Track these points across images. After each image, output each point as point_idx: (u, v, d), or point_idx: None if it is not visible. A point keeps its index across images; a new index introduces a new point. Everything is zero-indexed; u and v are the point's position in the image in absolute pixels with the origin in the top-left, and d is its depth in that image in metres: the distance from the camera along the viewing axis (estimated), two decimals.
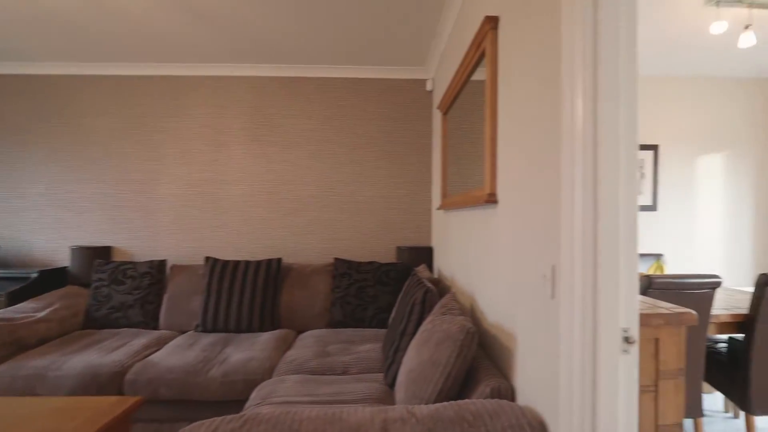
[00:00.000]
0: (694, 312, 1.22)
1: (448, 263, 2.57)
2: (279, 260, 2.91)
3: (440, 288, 2.55)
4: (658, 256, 3.15)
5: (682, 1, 2.27)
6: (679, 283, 1.94)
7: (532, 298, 1.21)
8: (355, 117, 3.32)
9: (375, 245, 3.31)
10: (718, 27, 2.19)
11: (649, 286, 1.94)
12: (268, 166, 3.29)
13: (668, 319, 1.19)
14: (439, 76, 2.90)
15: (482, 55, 1.75)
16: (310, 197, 3.30)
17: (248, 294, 2.76)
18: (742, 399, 2.10)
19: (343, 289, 2.84)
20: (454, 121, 2.42)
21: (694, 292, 1.96)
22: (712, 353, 2.33)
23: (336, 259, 2.97)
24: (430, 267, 3.16)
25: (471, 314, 1.97)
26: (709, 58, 3.09)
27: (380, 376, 2.01)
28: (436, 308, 1.83)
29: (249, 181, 3.29)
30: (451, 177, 2.47)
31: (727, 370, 2.19)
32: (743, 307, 2.23)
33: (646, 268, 2.93)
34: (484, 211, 1.74)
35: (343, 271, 2.90)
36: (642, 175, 3.36)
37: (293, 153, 3.30)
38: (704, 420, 2.53)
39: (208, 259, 2.85)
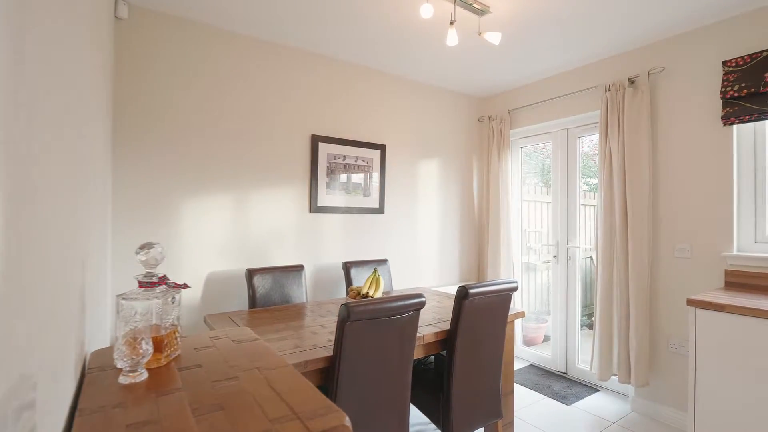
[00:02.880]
0: (347, 425, 0.63)
1: None
2: None
3: None
4: (383, 262, 2.96)
5: None
6: (381, 309, 1.53)
7: None
8: None
9: None
10: (426, 10, 1.97)
11: (348, 317, 1.46)
12: None
13: None
14: None
15: None
16: None
17: None
18: (445, 423, 1.91)
19: None
20: None
21: (398, 317, 1.59)
22: (420, 372, 2.11)
23: None
24: None
25: None
26: (434, 67, 3.11)
27: None
28: None
29: None
30: None
31: (434, 391, 1.98)
32: (449, 318, 2.09)
33: (364, 280, 2.66)
34: None
35: None
36: (370, 176, 3.14)
37: None
38: None
39: None
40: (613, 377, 2.88)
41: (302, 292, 2.52)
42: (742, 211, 2.40)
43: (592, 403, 2.86)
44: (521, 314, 2.25)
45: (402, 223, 3.36)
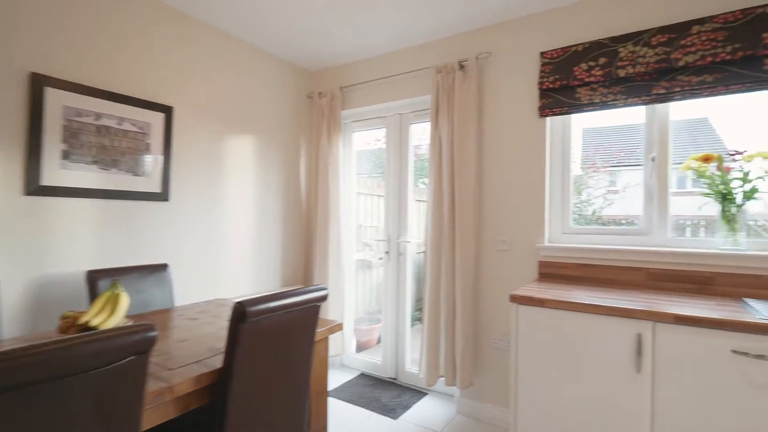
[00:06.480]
0: None
1: None
2: None
3: None
4: (159, 269, 2.12)
5: None
6: (65, 353, 0.79)
7: None
8: None
9: None
10: None
11: None
12: None
13: None
14: None
15: None
16: None
17: None
18: None
19: None
20: None
21: (100, 372, 0.88)
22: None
23: None
24: None
25: None
26: (249, 18, 2.40)
27: None
28: None
29: None
30: None
31: None
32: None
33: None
34: None
35: None
36: (147, 148, 2.25)
37: None
38: None
39: None
40: (441, 378, 2.69)
41: None
42: (553, 202, 2.43)
43: (419, 411, 2.61)
44: (337, 327, 1.77)
45: (198, 214, 2.55)
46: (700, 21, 1.92)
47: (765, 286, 1.80)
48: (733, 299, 1.79)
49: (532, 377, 1.83)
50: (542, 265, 2.37)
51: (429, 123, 2.72)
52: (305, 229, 3.39)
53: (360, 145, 3.76)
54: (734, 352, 1.44)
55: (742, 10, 1.84)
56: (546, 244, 2.37)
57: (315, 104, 3.31)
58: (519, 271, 2.44)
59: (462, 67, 2.57)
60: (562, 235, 2.41)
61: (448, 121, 2.56)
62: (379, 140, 3.58)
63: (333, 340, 3.07)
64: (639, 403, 1.60)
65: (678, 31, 1.97)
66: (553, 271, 2.34)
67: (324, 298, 1.45)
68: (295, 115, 3.28)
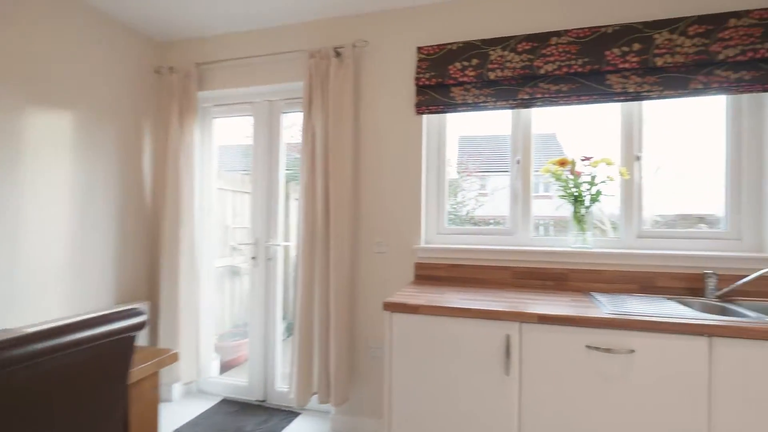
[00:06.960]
0: None
1: None
2: None
3: None
4: None
5: None
6: None
7: None
8: None
9: None
10: None
11: None
12: None
13: None
14: None
15: None
16: None
17: None
18: None
19: None
20: None
21: None
22: None
23: None
24: None
25: None
26: None
27: None
28: None
29: None
30: None
31: None
32: None
33: None
34: None
35: None
36: None
37: None
38: None
39: None
40: (315, 396, 2.43)
41: None
42: (429, 203, 2.38)
43: None
44: (170, 359, 1.38)
45: None
46: (557, 33, 2.04)
47: (608, 280, 1.98)
48: (583, 293, 1.92)
49: (407, 387, 1.70)
50: (418, 266, 2.29)
51: (302, 113, 2.44)
52: (151, 231, 2.79)
53: (237, 138, 3.29)
54: (588, 347, 1.49)
55: (590, 28, 2.00)
56: (422, 245, 2.30)
57: (164, 81, 2.74)
58: (396, 274, 2.33)
59: (338, 54, 2.36)
60: (437, 235, 2.37)
61: (323, 112, 2.33)
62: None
63: (186, 364, 2.57)
64: (508, 406, 1.57)
65: (539, 40, 2.07)
66: (428, 273, 2.27)
67: (139, 327, 1.07)
68: (137, 93, 2.67)
